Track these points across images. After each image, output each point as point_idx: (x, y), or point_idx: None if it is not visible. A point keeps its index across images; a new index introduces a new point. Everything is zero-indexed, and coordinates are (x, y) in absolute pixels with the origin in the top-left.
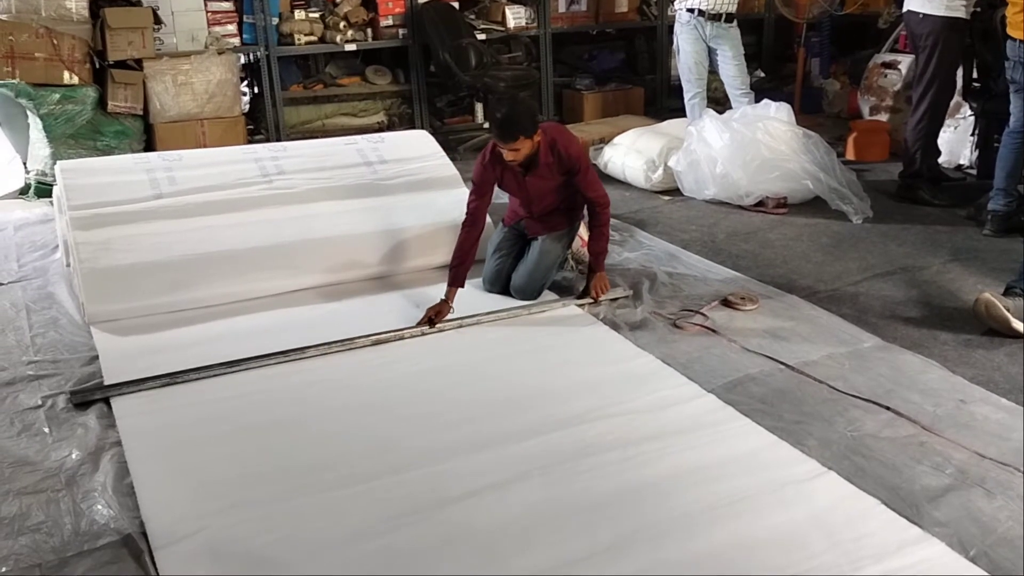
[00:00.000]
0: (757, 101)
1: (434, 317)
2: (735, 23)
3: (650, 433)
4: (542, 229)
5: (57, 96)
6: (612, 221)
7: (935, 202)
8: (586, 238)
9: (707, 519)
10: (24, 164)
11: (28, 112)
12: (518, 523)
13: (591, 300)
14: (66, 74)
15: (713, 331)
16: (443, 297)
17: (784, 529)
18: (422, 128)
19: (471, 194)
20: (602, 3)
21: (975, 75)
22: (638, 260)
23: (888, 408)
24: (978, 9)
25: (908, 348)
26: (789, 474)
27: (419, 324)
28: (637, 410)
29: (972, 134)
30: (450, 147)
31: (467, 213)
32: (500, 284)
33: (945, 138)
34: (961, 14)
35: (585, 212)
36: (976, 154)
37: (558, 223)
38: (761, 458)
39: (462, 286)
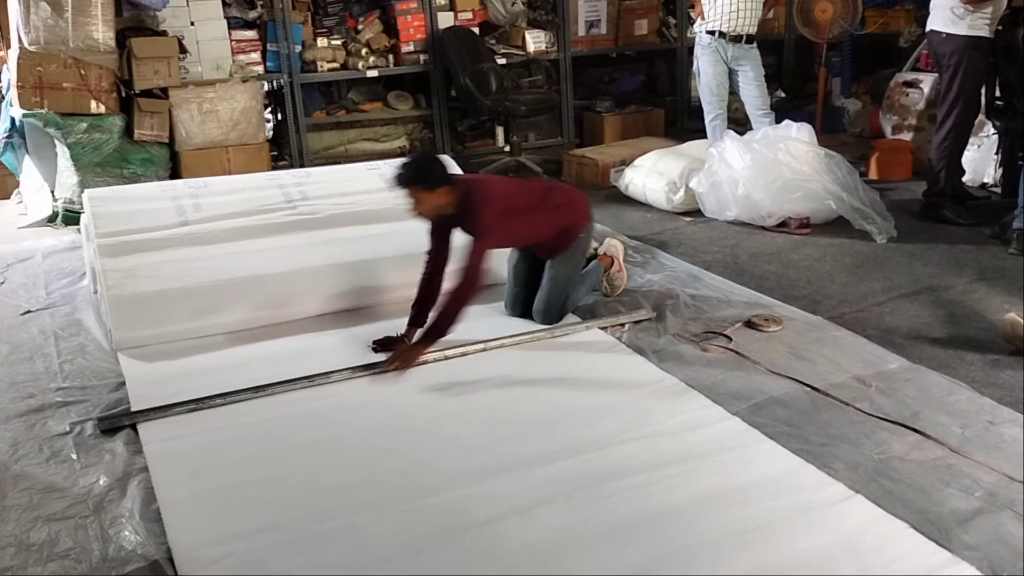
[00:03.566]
0: (778, 121)
1: (401, 365)
2: (755, 44)
3: (675, 456)
4: (547, 254)
5: (84, 125)
6: (634, 243)
7: (960, 221)
8: (621, 258)
9: (734, 543)
10: (52, 192)
11: (56, 141)
12: (543, 547)
13: (387, 368)
14: (93, 103)
15: (737, 353)
16: (402, 334)
17: (812, 553)
18: (444, 152)
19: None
20: (622, 26)
21: (998, 93)
22: (660, 282)
23: (915, 430)
24: (1000, 28)
25: (935, 369)
26: (816, 498)
27: (385, 368)
28: (662, 433)
29: (996, 152)
30: (472, 171)
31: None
32: (519, 310)
33: (969, 157)
34: (984, 33)
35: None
36: (1000, 172)
37: (561, 246)
38: (787, 481)
39: (421, 326)
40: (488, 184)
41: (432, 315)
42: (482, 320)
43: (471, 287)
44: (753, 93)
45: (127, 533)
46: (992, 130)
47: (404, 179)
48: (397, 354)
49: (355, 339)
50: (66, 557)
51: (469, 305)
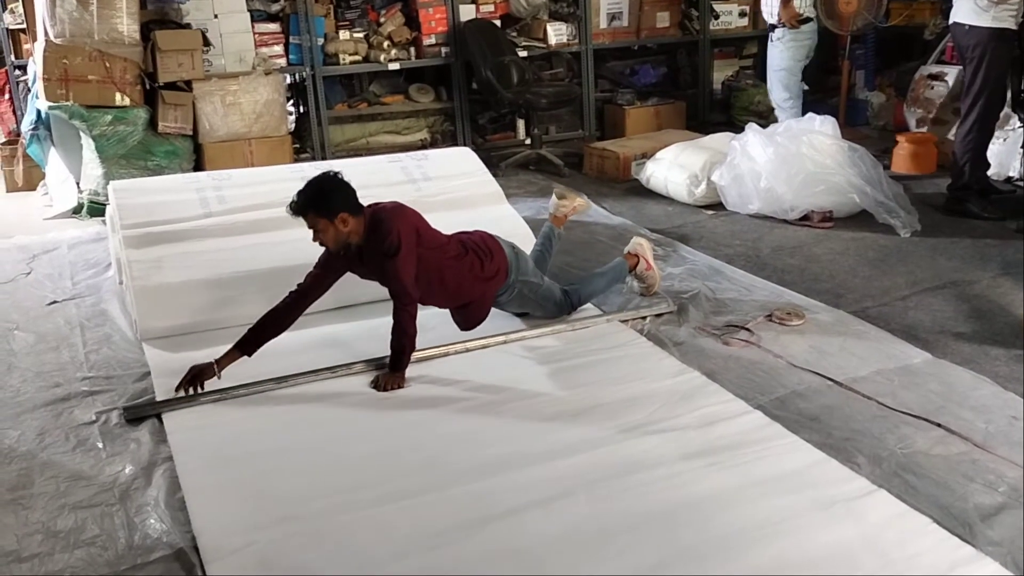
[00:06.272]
0: (801, 114)
1: (191, 381)
2: (779, 35)
3: (697, 450)
4: (465, 323)
5: (109, 117)
6: (655, 236)
7: (984, 215)
8: (650, 257)
9: (755, 537)
10: (77, 184)
11: (81, 133)
12: (563, 540)
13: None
14: (118, 96)
15: (759, 347)
16: (215, 360)
17: (834, 548)
18: (465, 145)
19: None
20: (643, 19)
21: (1023, 86)
22: (682, 275)
23: (939, 425)
24: None
25: (959, 364)
26: (839, 492)
27: (178, 386)
28: (683, 426)
29: (1022, 146)
30: (492, 163)
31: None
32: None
33: (994, 150)
34: (1009, 24)
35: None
36: None
37: (477, 307)
38: (810, 476)
39: (249, 354)
40: (399, 205)
41: (391, 342)
42: (501, 313)
43: (406, 307)
44: (770, 83)
45: (152, 521)
46: (1017, 123)
47: (297, 206)
48: (382, 384)
49: (376, 330)
50: (92, 544)
51: (414, 322)
